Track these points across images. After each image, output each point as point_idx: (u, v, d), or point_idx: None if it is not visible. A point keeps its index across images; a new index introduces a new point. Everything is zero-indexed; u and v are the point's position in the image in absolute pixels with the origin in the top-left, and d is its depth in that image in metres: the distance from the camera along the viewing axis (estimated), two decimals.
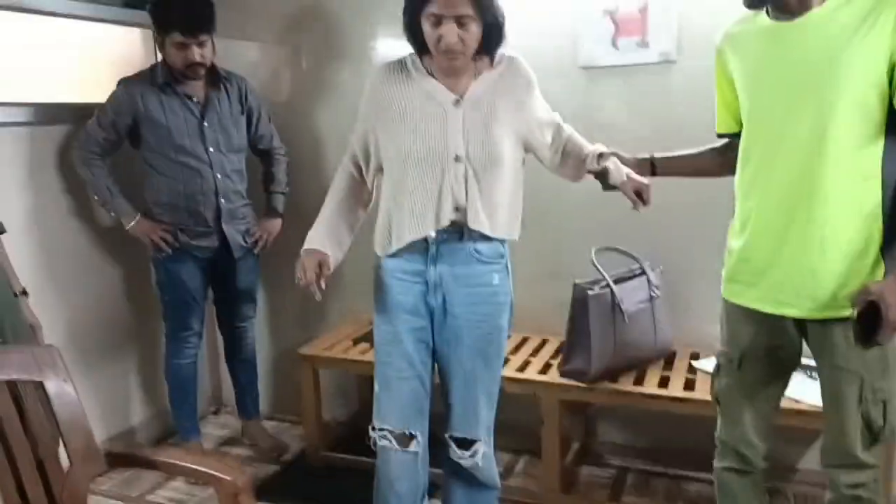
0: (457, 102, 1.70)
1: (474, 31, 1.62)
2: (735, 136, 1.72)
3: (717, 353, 1.76)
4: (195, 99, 2.49)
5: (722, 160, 1.78)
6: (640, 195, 1.72)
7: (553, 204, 2.47)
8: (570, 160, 1.83)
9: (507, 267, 1.81)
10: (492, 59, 1.73)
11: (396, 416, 1.81)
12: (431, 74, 1.72)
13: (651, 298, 2.31)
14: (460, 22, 1.59)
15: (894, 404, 1.56)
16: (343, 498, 2.48)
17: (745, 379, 1.68)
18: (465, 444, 1.82)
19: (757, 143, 1.58)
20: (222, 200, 2.53)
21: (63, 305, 2.61)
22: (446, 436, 1.85)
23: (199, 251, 2.55)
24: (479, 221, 1.70)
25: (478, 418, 1.81)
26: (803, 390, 2.01)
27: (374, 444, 1.84)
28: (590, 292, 2.16)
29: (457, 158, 1.68)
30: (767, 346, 1.65)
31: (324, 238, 1.79)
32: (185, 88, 2.47)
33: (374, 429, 1.84)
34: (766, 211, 1.57)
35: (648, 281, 2.32)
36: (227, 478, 1.44)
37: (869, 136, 1.45)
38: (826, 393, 1.63)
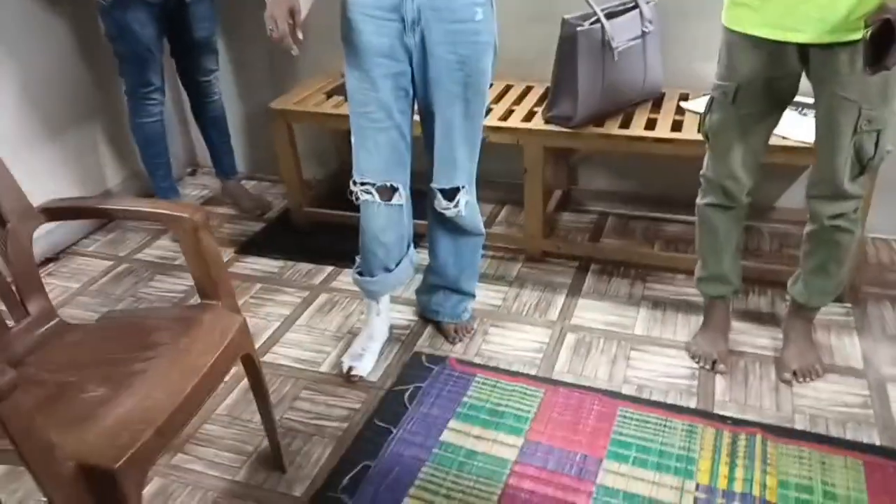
0: None
1: None
2: None
3: (711, 88, 1.68)
4: None
5: None
6: None
7: None
8: None
9: (491, 2, 1.64)
10: None
11: (377, 168, 1.75)
12: None
13: (643, 35, 2.16)
14: None
15: (887, 135, 1.55)
16: (327, 251, 2.52)
17: (738, 113, 1.64)
18: (448, 194, 1.80)
19: None
20: None
21: (15, 68, 2.43)
22: (430, 186, 1.81)
23: None
24: None
25: (459, 167, 1.76)
26: (791, 127, 1.96)
27: (357, 198, 1.80)
28: (579, 28, 2.00)
29: None
30: (767, 77, 1.58)
31: None
32: None
33: (355, 183, 1.78)
34: None
35: (641, 14, 2.14)
36: (183, 214, 1.41)
37: None
38: (821, 123, 1.60)
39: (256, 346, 1.73)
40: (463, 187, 1.79)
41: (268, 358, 2.02)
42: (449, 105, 1.68)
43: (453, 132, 1.71)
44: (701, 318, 1.98)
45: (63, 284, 2.45)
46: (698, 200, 1.82)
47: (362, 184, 1.78)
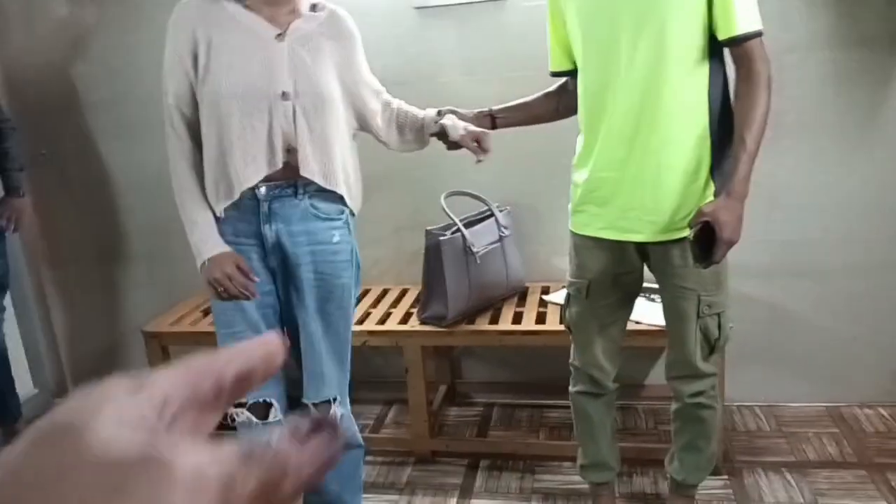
0: (279, 36, 1.59)
1: None
2: (567, 75, 1.76)
3: (566, 284, 1.82)
4: None
5: (556, 103, 1.83)
6: (480, 144, 1.72)
7: (402, 157, 2.42)
8: (406, 130, 1.80)
9: (347, 224, 1.73)
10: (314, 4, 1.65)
11: None
12: (246, 7, 1.60)
13: (500, 238, 2.35)
14: None
15: (727, 315, 1.70)
16: None
17: (593, 306, 1.76)
18: (321, 408, 1.78)
19: (594, 78, 1.62)
20: None
21: None
22: (303, 402, 1.80)
23: None
24: (310, 169, 1.60)
25: (327, 380, 1.75)
26: (643, 312, 2.13)
27: (232, 420, 1.76)
28: (441, 238, 2.16)
29: (284, 95, 1.57)
30: (614, 273, 1.73)
31: (219, 236, 1.62)
32: None
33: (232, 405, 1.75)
34: (607, 142, 1.62)
35: (497, 222, 2.35)
36: None
37: (697, 61, 1.53)
38: (667, 310, 1.74)
39: None
40: (335, 399, 1.78)
41: None
42: (313, 320, 1.70)
43: (319, 346, 1.72)
44: None
45: None
46: (570, 388, 1.90)
47: (237, 405, 1.74)
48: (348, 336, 1.80)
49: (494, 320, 2.28)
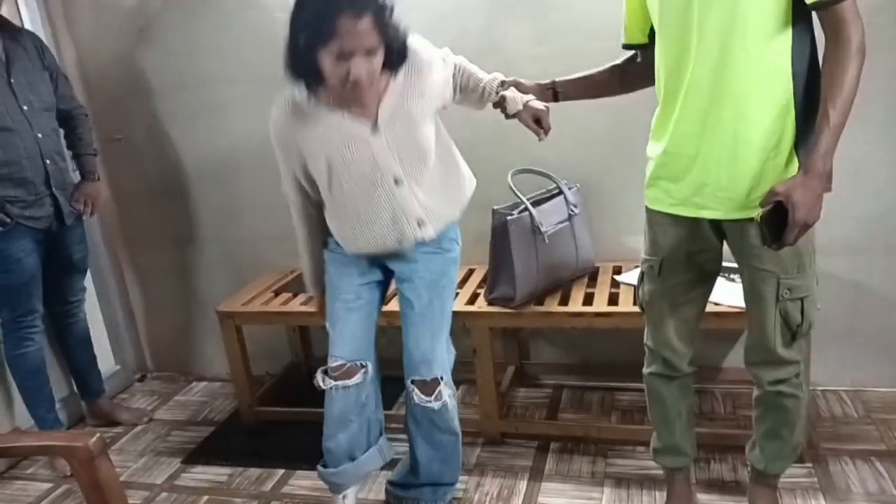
0: (374, 128, 1.64)
1: (380, 56, 1.52)
2: (639, 48, 1.69)
3: (640, 262, 1.76)
4: None
5: (620, 77, 1.77)
6: (539, 123, 1.70)
7: (466, 135, 2.37)
8: (469, 93, 1.80)
9: (456, 232, 1.88)
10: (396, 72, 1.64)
11: (347, 346, 1.82)
12: (335, 106, 1.63)
13: (570, 217, 2.28)
14: (368, 53, 1.48)
15: (812, 301, 1.59)
16: (279, 452, 2.43)
17: (666, 285, 1.69)
18: (427, 387, 1.80)
19: (670, 48, 1.53)
20: (48, 162, 2.30)
21: None
22: (408, 382, 1.83)
23: (33, 222, 2.28)
24: (428, 234, 1.76)
25: (434, 358, 1.80)
26: (723, 293, 2.04)
27: (320, 384, 1.83)
28: (509, 217, 2.11)
29: (396, 181, 1.67)
30: (688, 250, 1.65)
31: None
32: None
33: (325, 372, 1.83)
34: (682, 116, 1.54)
35: (566, 199, 2.29)
36: (77, 444, 1.34)
37: (777, 29, 1.42)
38: (747, 292, 1.66)
39: None
40: (442, 378, 1.80)
41: None
42: (418, 298, 1.81)
43: (424, 324, 1.81)
44: (665, 493, 1.93)
45: None
46: (644, 369, 1.84)
47: (332, 367, 1.83)
48: (451, 316, 1.87)
49: (564, 301, 2.23)
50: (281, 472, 2.33)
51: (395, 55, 1.57)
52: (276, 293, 2.60)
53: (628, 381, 2.52)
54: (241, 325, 2.53)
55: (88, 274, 2.70)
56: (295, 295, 2.55)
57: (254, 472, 2.35)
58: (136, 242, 3.06)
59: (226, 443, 2.57)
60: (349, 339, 1.82)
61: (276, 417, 2.60)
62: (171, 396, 2.99)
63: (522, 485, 2.12)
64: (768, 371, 1.66)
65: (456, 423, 1.89)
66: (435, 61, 1.69)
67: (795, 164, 1.47)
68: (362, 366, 1.82)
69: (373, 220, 1.70)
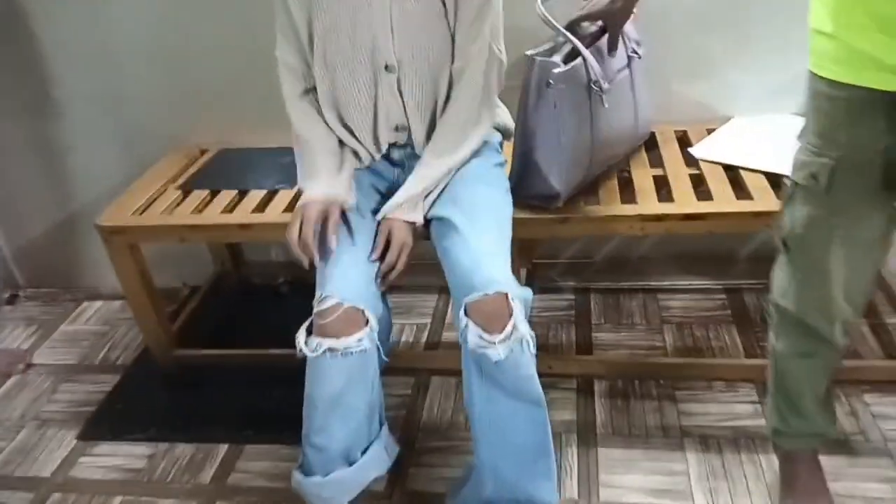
0: None
1: None
2: None
3: (793, 168, 1.06)
4: None
5: None
6: None
7: None
8: None
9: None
10: None
11: (344, 285, 1.19)
12: None
13: (628, 63, 1.51)
14: None
15: None
16: (217, 413, 1.75)
17: (839, 208, 1.03)
18: (493, 301, 1.13)
19: None
20: None
21: None
22: (459, 313, 1.16)
23: None
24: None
25: (499, 270, 1.17)
26: None
27: (305, 346, 1.17)
28: (555, 71, 1.32)
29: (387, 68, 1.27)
30: (888, 156, 0.97)
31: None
32: None
33: (308, 330, 1.19)
34: None
35: (624, 35, 1.49)
36: None
37: None
38: None
39: None
40: (510, 297, 1.14)
41: None
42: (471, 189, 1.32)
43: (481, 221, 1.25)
44: (771, 456, 1.39)
45: None
46: (770, 340, 1.23)
47: (319, 314, 1.16)
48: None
49: (629, 195, 1.50)
50: (223, 448, 1.65)
51: None
52: (185, 191, 1.77)
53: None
54: (139, 244, 1.72)
55: None
56: (215, 194, 1.74)
57: (183, 449, 1.66)
58: None
59: (138, 401, 1.84)
60: (350, 278, 1.21)
61: (205, 361, 1.87)
62: (56, 326, 2.20)
63: (572, 454, 1.52)
64: None
65: (532, 380, 1.21)
66: None
67: None
68: (363, 314, 1.19)
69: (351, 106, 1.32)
